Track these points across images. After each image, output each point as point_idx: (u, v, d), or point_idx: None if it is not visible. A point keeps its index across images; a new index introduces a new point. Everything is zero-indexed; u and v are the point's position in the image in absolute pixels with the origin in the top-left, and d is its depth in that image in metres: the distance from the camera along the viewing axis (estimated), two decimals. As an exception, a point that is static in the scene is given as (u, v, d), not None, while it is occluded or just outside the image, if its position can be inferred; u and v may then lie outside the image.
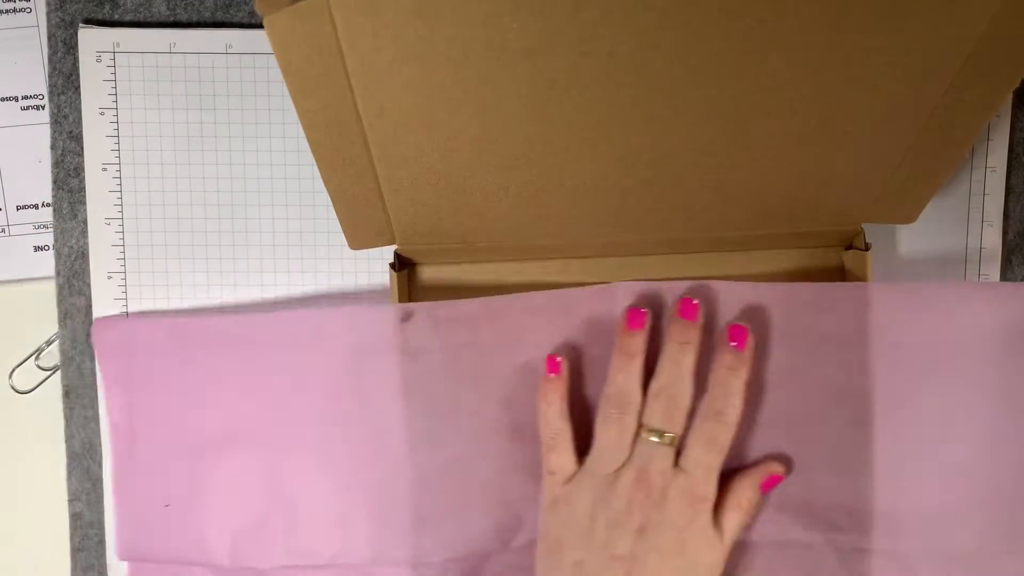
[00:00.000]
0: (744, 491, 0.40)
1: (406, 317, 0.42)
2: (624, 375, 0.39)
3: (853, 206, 0.41)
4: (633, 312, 0.40)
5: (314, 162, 0.45)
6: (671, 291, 0.42)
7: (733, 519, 0.39)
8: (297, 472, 0.43)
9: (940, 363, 0.41)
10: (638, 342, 0.40)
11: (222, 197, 0.46)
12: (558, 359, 0.41)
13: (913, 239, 0.46)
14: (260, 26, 0.45)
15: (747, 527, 0.41)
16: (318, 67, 0.31)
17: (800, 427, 0.41)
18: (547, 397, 0.41)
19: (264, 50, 0.45)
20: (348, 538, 0.43)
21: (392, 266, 0.42)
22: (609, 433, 0.39)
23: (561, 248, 0.44)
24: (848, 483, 0.41)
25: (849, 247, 0.44)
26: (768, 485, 0.40)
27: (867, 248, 0.42)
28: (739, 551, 0.42)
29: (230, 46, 0.45)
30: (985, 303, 0.41)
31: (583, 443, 0.41)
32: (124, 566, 0.46)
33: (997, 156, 0.46)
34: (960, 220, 0.46)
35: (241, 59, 0.45)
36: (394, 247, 0.43)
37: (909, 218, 0.42)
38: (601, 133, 0.35)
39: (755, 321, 0.41)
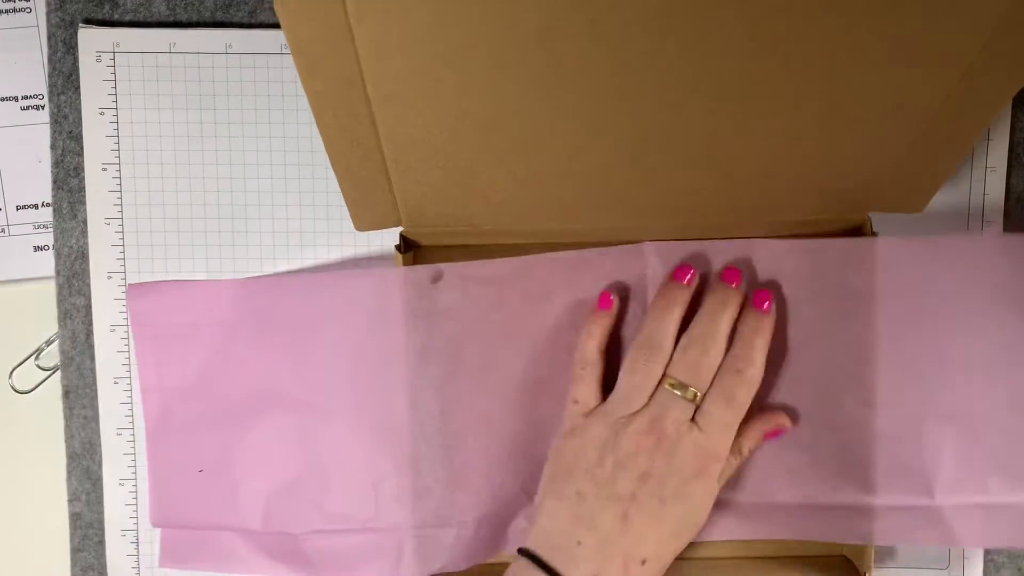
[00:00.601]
0: (746, 439, 0.41)
1: (436, 277, 0.42)
2: (661, 324, 0.40)
3: (861, 194, 0.41)
4: (682, 267, 0.42)
5: (314, 163, 0.45)
6: (704, 251, 0.43)
7: (731, 463, 0.40)
8: (329, 436, 0.43)
9: (957, 316, 0.42)
10: (683, 295, 0.41)
11: (222, 197, 0.46)
12: (612, 296, 0.42)
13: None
14: (260, 26, 0.45)
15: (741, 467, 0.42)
16: (327, 47, 0.31)
17: (811, 381, 0.42)
18: (591, 330, 0.42)
19: (264, 50, 0.45)
20: (382, 502, 0.43)
21: (398, 248, 0.43)
22: (634, 378, 0.40)
23: (567, 232, 0.44)
24: (853, 437, 0.42)
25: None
26: (773, 435, 0.41)
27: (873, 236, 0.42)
28: (756, 510, 0.43)
29: (230, 46, 0.45)
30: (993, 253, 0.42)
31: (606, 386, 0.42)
32: (123, 564, 0.46)
33: (997, 156, 0.46)
34: (960, 220, 0.46)
35: (241, 59, 0.45)
36: (399, 229, 0.43)
37: (916, 207, 0.42)
38: (610, 118, 0.35)
39: (784, 278, 0.42)
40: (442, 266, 0.42)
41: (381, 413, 0.43)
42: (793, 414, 0.42)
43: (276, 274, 0.46)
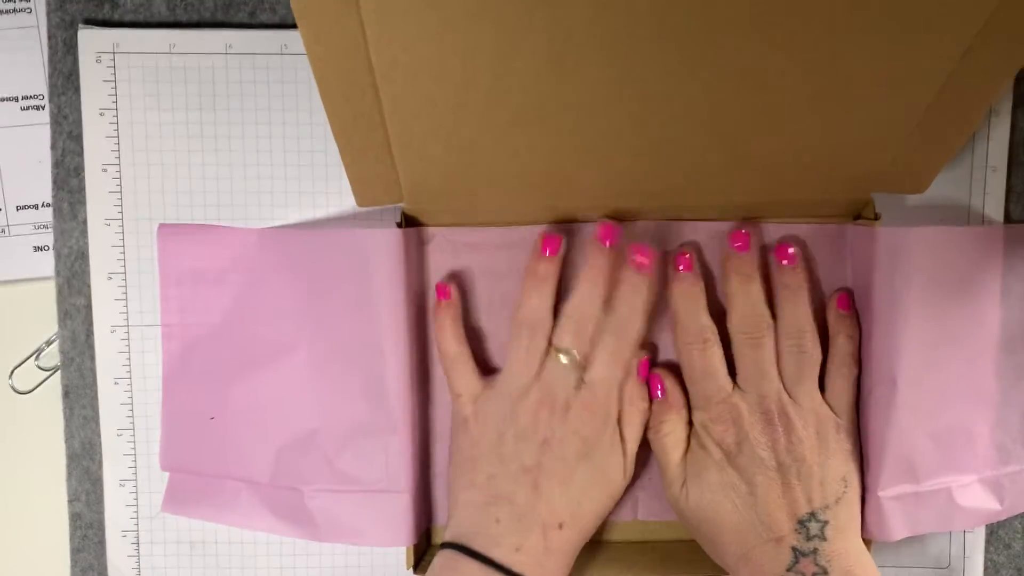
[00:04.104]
0: (626, 385, 0.42)
1: (428, 240, 0.45)
2: (537, 298, 0.41)
3: (864, 172, 0.40)
4: (548, 237, 0.42)
5: (314, 163, 0.46)
6: (696, 231, 0.45)
7: (631, 429, 0.42)
8: (338, 394, 0.43)
9: (952, 305, 0.42)
10: (550, 267, 0.42)
11: (222, 197, 0.46)
12: (448, 286, 0.43)
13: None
14: (260, 26, 0.45)
15: (643, 432, 0.43)
16: (332, 13, 0.31)
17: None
18: (440, 322, 0.43)
19: (264, 50, 0.45)
20: (392, 466, 0.43)
21: (399, 225, 0.43)
22: (519, 354, 0.41)
23: (567, 212, 0.44)
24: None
25: (858, 217, 0.44)
26: (643, 371, 0.43)
27: (876, 218, 0.42)
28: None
29: (230, 46, 0.45)
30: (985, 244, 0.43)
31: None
32: (123, 565, 0.46)
33: (997, 156, 0.46)
34: (960, 219, 0.46)
35: (241, 59, 0.45)
36: (400, 206, 0.43)
37: (919, 187, 0.42)
38: (615, 89, 0.35)
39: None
40: (433, 229, 0.44)
41: (388, 375, 0.42)
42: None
43: (298, 225, 0.46)
